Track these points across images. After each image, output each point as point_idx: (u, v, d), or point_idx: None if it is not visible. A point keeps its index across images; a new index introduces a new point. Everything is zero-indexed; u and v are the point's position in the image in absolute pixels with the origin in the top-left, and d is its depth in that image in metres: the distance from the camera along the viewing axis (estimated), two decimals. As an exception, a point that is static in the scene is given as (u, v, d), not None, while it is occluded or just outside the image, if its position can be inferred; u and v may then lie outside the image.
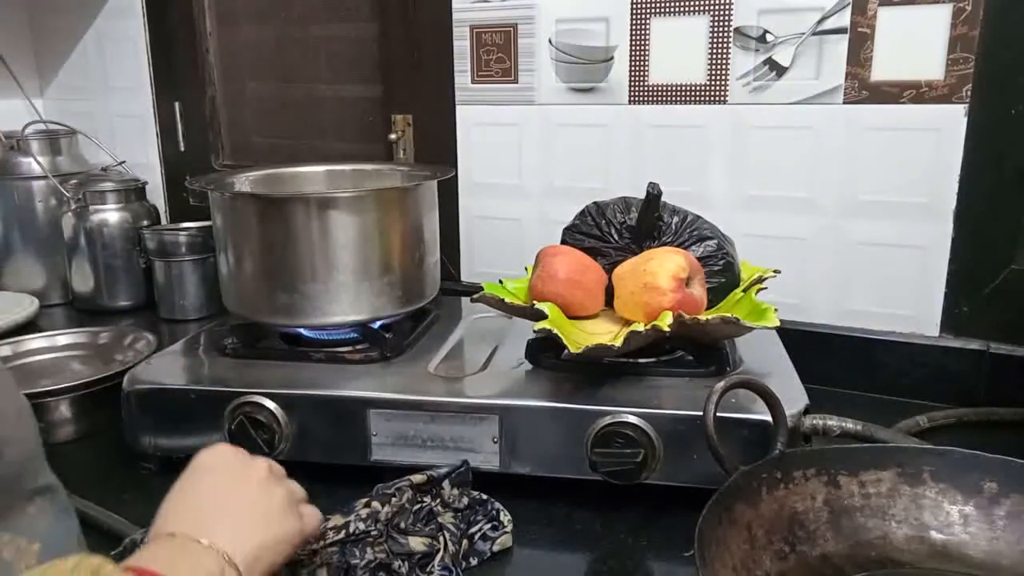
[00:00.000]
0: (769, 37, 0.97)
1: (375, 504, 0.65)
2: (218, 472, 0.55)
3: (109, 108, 1.52)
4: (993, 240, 0.91)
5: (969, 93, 0.89)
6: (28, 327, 1.23)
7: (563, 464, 0.73)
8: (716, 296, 0.82)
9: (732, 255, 0.86)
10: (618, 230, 0.87)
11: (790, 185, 0.99)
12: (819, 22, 0.94)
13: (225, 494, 0.54)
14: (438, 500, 0.68)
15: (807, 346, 0.92)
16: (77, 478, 0.75)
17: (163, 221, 1.44)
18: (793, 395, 0.73)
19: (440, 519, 0.66)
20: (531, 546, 0.69)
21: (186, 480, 0.55)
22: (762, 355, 0.83)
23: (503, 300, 0.82)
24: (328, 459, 0.78)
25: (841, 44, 0.93)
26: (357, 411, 0.76)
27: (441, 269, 0.99)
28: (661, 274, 0.76)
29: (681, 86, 1.03)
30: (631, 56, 1.04)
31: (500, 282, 0.86)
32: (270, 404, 0.77)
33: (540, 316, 0.77)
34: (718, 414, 0.62)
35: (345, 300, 0.87)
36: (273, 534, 0.53)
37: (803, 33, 0.95)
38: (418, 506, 0.67)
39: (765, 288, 0.83)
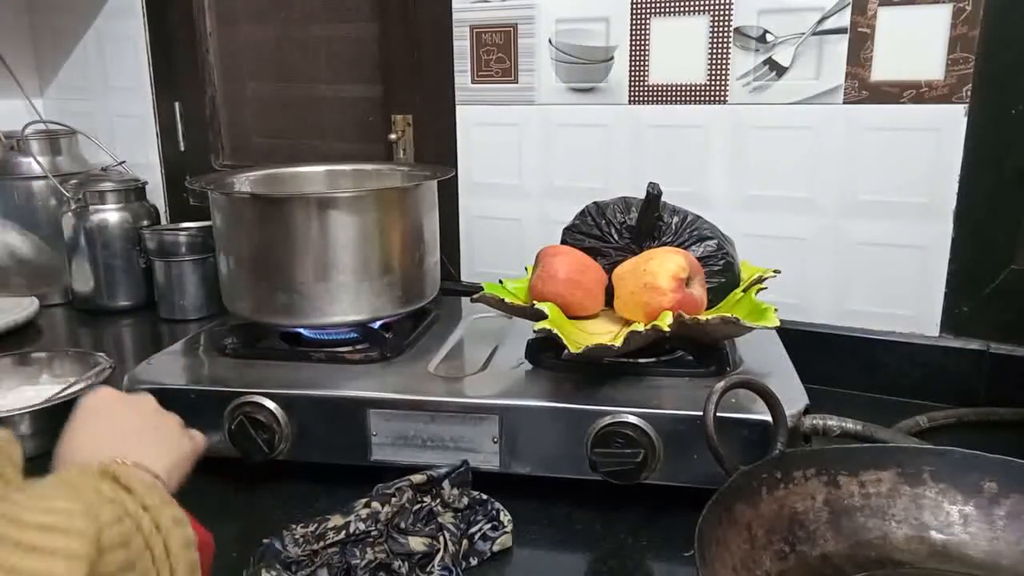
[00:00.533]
0: (769, 37, 0.97)
1: (375, 504, 0.65)
2: (110, 409, 0.58)
3: (109, 108, 1.52)
4: (993, 240, 0.91)
5: (969, 93, 0.89)
6: (28, 327, 1.24)
7: (563, 464, 0.73)
8: (716, 296, 0.82)
9: (732, 255, 0.86)
10: (618, 230, 0.87)
11: (790, 185, 0.99)
12: (819, 22, 0.94)
13: (126, 425, 0.57)
14: (438, 500, 0.68)
15: (807, 346, 0.92)
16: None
17: (163, 221, 1.44)
18: (793, 395, 0.73)
19: (440, 519, 0.66)
20: (531, 546, 0.69)
21: (79, 422, 0.56)
22: (762, 355, 0.83)
23: (503, 300, 0.82)
24: (328, 459, 0.78)
25: (841, 44, 0.93)
26: (357, 411, 0.76)
27: (441, 269, 1.00)
28: (661, 274, 0.76)
29: (681, 86, 1.03)
30: (631, 56, 1.04)
31: (500, 282, 0.86)
32: (270, 404, 0.77)
33: (540, 316, 0.77)
34: (718, 414, 0.62)
35: (345, 300, 0.87)
36: (179, 453, 0.57)
37: (803, 33, 0.95)
38: (418, 506, 0.67)
39: (765, 288, 0.83)
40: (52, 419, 0.86)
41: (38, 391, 0.94)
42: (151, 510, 0.45)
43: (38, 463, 0.83)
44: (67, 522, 0.38)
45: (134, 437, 0.56)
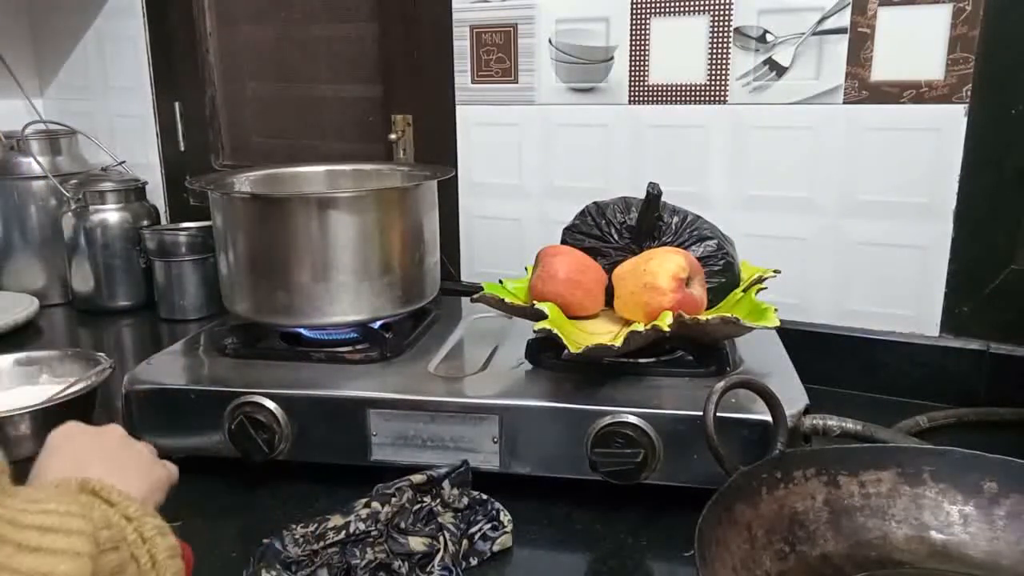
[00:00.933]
0: (769, 37, 0.97)
1: (375, 504, 0.65)
2: (79, 440, 0.56)
3: (109, 108, 1.52)
4: (993, 240, 0.91)
5: (969, 93, 0.89)
6: (28, 327, 1.24)
7: (563, 464, 0.73)
8: (716, 296, 0.82)
9: (732, 255, 0.86)
10: (618, 230, 0.87)
11: (790, 185, 0.99)
12: (819, 22, 0.94)
13: (98, 454, 0.55)
14: (438, 500, 0.68)
15: (807, 346, 0.92)
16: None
17: (163, 221, 1.44)
18: (793, 395, 0.73)
19: (440, 519, 0.66)
20: (531, 546, 0.69)
21: (48, 454, 0.55)
22: (762, 355, 0.83)
23: (503, 300, 0.82)
24: (328, 459, 0.78)
25: (841, 44, 0.93)
26: (357, 411, 0.76)
27: (441, 269, 0.99)
28: (661, 274, 0.76)
29: (681, 86, 1.03)
30: (631, 56, 1.04)
31: (500, 282, 0.86)
32: (270, 404, 0.77)
33: (540, 316, 0.77)
34: (718, 414, 0.62)
35: (345, 300, 0.87)
36: (152, 480, 0.56)
37: (803, 33, 0.95)
38: (418, 506, 0.67)
39: (765, 288, 0.83)
40: (52, 419, 0.86)
41: (38, 391, 0.94)
42: (134, 521, 0.45)
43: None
44: (66, 523, 0.38)
45: (104, 465, 0.54)
